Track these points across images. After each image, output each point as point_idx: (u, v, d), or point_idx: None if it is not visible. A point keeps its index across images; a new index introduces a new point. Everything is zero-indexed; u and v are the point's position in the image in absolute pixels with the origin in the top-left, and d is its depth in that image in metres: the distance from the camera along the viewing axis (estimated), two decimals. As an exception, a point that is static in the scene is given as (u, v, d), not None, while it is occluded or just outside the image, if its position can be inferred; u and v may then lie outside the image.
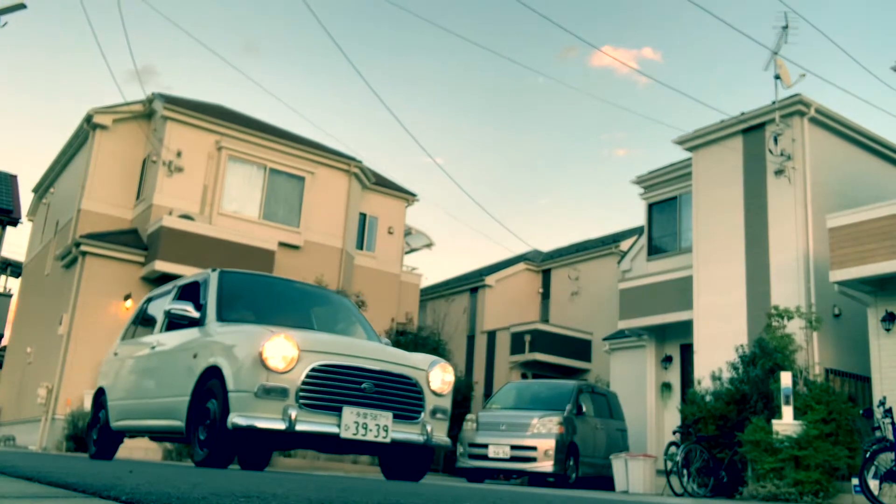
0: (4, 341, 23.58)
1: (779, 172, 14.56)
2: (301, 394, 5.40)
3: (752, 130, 15.34)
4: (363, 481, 5.25)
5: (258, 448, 7.61)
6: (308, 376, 5.44)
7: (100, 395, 7.79)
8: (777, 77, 14.66)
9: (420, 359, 6.24)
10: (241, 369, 5.47)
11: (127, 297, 16.35)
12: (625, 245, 22.64)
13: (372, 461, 14.81)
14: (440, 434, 6.07)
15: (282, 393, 5.37)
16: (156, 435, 7.17)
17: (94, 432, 7.77)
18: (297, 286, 7.69)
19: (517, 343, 23.51)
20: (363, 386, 5.63)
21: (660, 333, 17.51)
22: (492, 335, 24.87)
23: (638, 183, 19.13)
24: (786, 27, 14.49)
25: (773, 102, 14.81)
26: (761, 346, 12.67)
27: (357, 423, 5.51)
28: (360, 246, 21.32)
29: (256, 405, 5.33)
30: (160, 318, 7.22)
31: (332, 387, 5.52)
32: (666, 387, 17.17)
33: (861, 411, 11.22)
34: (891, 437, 9.81)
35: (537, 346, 23.05)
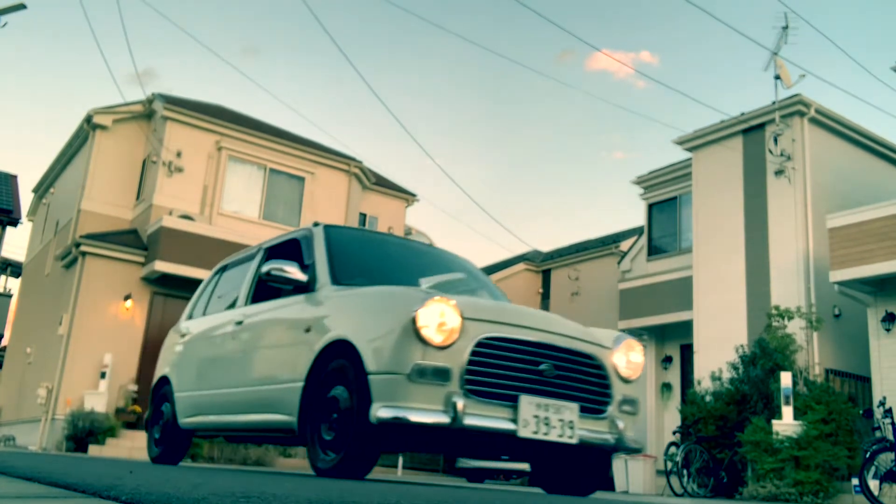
0: (4, 341, 23.59)
1: (779, 173, 14.56)
2: (467, 377, 3.96)
3: (752, 131, 15.35)
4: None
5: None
6: (474, 353, 3.99)
7: (162, 386, 6.41)
8: (777, 77, 14.68)
9: (602, 334, 4.70)
10: (384, 344, 4.06)
11: (127, 298, 16.36)
12: (625, 245, 22.62)
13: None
14: (631, 433, 4.48)
15: (443, 375, 3.92)
16: (242, 434, 5.61)
17: (156, 430, 6.38)
18: (413, 245, 6.35)
19: (517, 343, 23.44)
20: (541, 367, 4.15)
21: (660, 333, 17.52)
22: (492, 335, 24.80)
23: (638, 183, 19.13)
24: (786, 27, 14.51)
25: (773, 103, 14.82)
26: (761, 346, 12.68)
27: (538, 417, 4.04)
28: (360, 246, 21.30)
29: (410, 392, 3.91)
30: (244, 288, 5.88)
31: (505, 368, 4.07)
32: (666, 387, 17.18)
33: (861, 411, 11.24)
34: (891, 437, 9.82)
35: (537, 346, 22.99)
